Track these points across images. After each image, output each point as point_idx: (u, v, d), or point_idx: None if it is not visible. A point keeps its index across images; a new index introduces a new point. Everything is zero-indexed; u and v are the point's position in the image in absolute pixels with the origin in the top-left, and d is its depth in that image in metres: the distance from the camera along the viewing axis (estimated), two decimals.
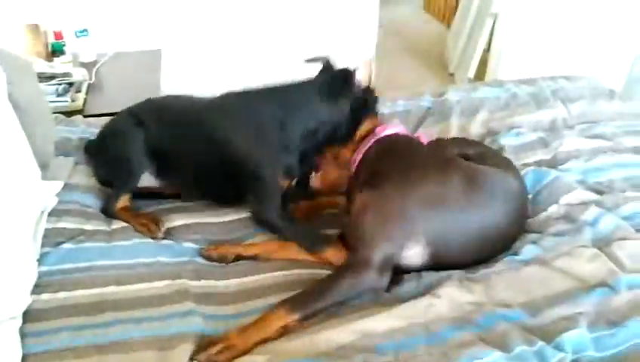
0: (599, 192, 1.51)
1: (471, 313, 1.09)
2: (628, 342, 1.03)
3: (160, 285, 1.24)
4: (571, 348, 1.00)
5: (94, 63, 2.48)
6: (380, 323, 1.08)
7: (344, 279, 1.15)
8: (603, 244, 1.27)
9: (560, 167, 1.64)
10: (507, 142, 1.78)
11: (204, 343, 1.06)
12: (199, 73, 2.85)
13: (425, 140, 1.50)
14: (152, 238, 1.41)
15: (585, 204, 1.43)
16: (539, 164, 1.69)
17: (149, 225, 1.45)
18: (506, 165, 1.45)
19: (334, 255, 1.32)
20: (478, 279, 1.19)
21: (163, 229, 1.44)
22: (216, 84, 2.80)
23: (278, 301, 1.14)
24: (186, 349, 1.05)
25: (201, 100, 1.62)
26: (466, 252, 1.27)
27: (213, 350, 1.03)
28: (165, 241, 1.42)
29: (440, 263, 1.25)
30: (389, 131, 1.46)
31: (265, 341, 1.07)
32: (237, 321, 1.15)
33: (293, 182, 1.56)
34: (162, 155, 1.55)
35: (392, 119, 1.58)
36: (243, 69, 2.92)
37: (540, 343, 1.01)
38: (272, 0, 2.92)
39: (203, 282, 1.28)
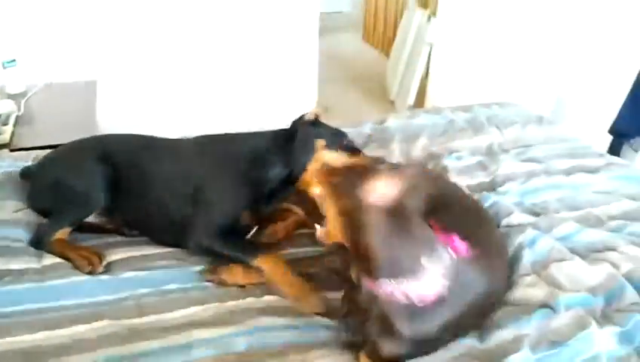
0: (535, 214, 1.57)
1: None
2: (571, 360, 1.06)
3: (100, 325, 1.17)
4: None
5: (24, 94, 2.36)
6: None
7: None
8: (540, 267, 1.31)
9: (499, 189, 1.71)
10: (450, 164, 1.84)
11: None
12: (138, 106, 2.77)
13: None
14: (90, 273, 1.33)
15: (522, 226, 1.47)
16: (480, 186, 1.76)
17: (91, 258, 1.36)
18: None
19: (264, 262, 1.32)
20: None
21: (104, 263, 1.37)
22: (157, 117, 2.76)
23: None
24: None
25: (170, 140, 1.63)
26: None
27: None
28: (103, 276, 1.34)
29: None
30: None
31: None
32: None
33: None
34: (119, 192, 1.49)
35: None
36: (185, 100, 2.87)
37: None
38: (213, 30, 2.90)
39: (145, 319, 1.21)
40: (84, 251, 1.40)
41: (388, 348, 1.06)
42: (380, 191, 1.01)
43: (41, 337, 1.13)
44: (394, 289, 1.00)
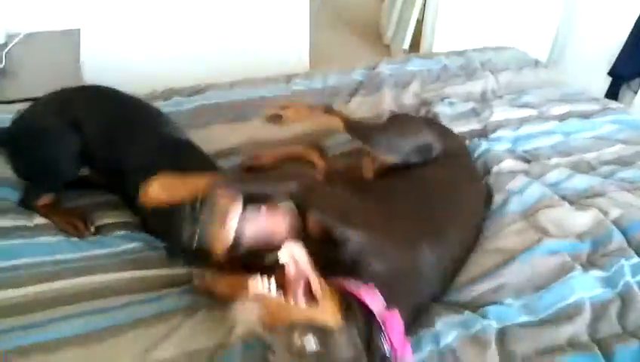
0: (527, 161, 1.56)
1: None
2: (555, 305, 1.08)
3: (96, 279, 1.17)
4: (496, 318, 1.03)
5: (4, 45, 2.28)
6: None
7: None
8: (529, 213, 1.31)
9: (491, 135, 1.69)
10: (441, 110, 1.81)
11: None
12: (124, 54, 2.69)
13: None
14: (79, 237, 1.30)
15: (513, 173, 1.46)
16: (472, 133, 1.73)
17: (77, 224, 1.32)
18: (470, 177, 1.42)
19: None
20: None
21: (92, 228, 1.33)
22: (143, 65, 2.69)
23: None
24: (118, 345, 1.00)
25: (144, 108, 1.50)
26: None
27: None
28: (90, 237, 1.32)
29: None
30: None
31: None
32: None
33: None
34: (97, 152, 1.39)
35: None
36: (173, 47, 2.78)
37: (466, 312, 1.04)
38: None
39: (140, 272, 1.21)
40: (69, 217, 1.35)
41: None
42: None
43: (33, 291, 1.13)
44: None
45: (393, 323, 0.94)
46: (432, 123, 1.65)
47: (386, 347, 0.91)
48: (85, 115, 1.40)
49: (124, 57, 2.66)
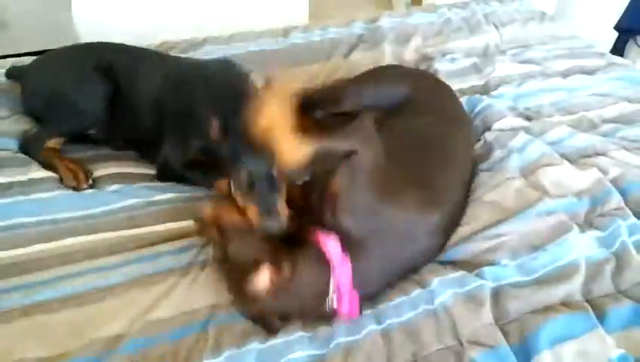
0: (528, 118, 1.54)
1: None
2: (550, 265, 1.08)
3: (93, 238, 1.18)
4: (491, 278, 1.04)
5: None
6: None
7: None
8: (528, 172, 1.30)
9: (492, 92, 1.66)
10: (442, 67, 1.77)
11: None
12: (117, 7, 2.61)
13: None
14: (74, 189, 1.31)
15: (514, 130, 1.44)
16: (472, 89, 1.71)
17: (77, 173, 1.33)
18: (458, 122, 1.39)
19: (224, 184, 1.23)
20: None
21: (89, 182, 1.33)
22: (138, 20, 2.61)
23: None
24: (117, 304, 1.02)
25: (160, 56, 1.54)
26: None
27: None
28: (88, 191, 1.32)
29: None
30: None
31: None
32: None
33: None
34: (115, 106, 1.42)
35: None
36: (168, 1, 2.70)
37: (461, 272, 1.05)
38: None
39: (137, 230, 1.21)
40: (72, 164, 1.36)
41: None
42: None
43: (32, 251, 1.14)
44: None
45: (342, 271, 0.98)
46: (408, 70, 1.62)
47: (331, 291, 0.97)
48: (114, 59, 1.45)
49: (118, 10, 2.58)
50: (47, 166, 1.36)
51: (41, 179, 1.32)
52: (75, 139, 1.45)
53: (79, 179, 1.32)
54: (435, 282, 1.03)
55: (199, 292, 1.04)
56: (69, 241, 1.16)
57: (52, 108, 1.41)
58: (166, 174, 1.37)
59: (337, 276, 0.98)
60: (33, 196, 1.27)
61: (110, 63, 1.44)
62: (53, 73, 1.45)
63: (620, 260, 1.08)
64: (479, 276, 1.04)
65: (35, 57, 1.55)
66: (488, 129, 1.48)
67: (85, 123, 1.42)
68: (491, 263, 1.07)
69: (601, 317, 0.97)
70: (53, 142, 1.39)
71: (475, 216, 1.19)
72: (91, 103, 1.39)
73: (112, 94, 1.41)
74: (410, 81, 1.48)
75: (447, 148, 1.28)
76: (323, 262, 0.99)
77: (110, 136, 1.47)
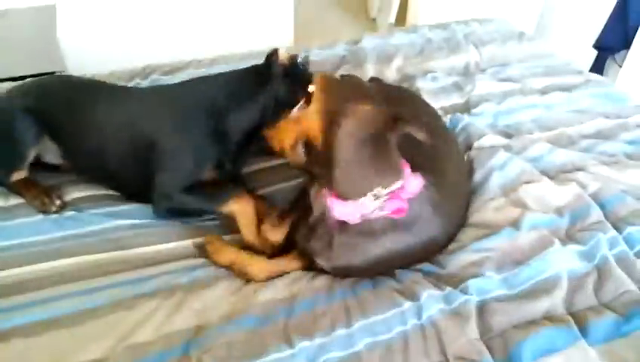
0: (508, 135, 1.56)
1: None
2: (532, 279, 1.09)
3: (70, 262, 1.17)
4: (476, 292, 1.04)
5: None
6: None
7: None
8: (510, 189, 1.31)
9: (473, 110, 1.68)
10: (424, 85, 1.80)
11: None
12: (102, 31, 2.63)
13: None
14: (43, 212, 1.31)
15: (494, 148, 1.46)
16: (454, 107, 1.73)
17: (42, 198, 1.33)
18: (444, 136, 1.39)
19: (236, 204, 1.27)
20: None
21: (57, 202, 1.33)
22: (122, 43, 2.63)
23: None
24: (100, 327, 1.01)
25: (120, 88, 1.51)
26: None
27: None
28: (70, 213, 1.32)
29: None
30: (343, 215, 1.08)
31: None
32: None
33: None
34: (65, 139, 1.41)
35: None
36: (151, 24, 2.72)
37: (447, 288, 1.05)
38: None
39: (120, 252, 1.21)
40: (35, 190, 1.35)
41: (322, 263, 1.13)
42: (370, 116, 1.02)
43: (15, 273, 1.14)
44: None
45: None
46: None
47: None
48: (49, 94, 1.44)
49: (103, 33, 2.60)
50: (18, 194, 1.37)
51: (22, 204, 1.34)
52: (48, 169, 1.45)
53: (44, 203, 1.32)
54: (424, 295, 1.03)
55: (182, 315, 1.03)
56: (48, 265, 1.16)
57: None
58: (166, 206, 1.31)
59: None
60: (16, 221, 1.28)
61: (43, 100, 1.42)
62: None
63: (602, 273, 1.09)
64: (464, 291, 1.04)
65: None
66: (469, 148, 1.50)
67: (19, 160, 1.38)
68: (476, 276, 1.07)
69: (583, 329, 0.98)
70: (17, 175, 1.38)
71: (460, 237, 1.20)
72: (17, 141, 1.38)
73: (43, 130, 1.39)
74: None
75: (445, 152, 1.31)
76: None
77: (78, 171, 1.45)
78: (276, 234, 1.24)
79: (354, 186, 1.02)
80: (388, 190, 1.01)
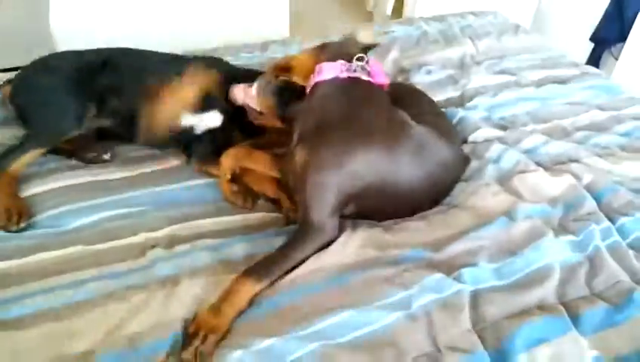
0: (503, 128, 1.56)
1: (375, 257, 1.11)
2: (525, 269, 1.08)
3: (64, 253, 1.16)
4: (470, 280, 1.04)
5: None
6: None
7: (304, 244, 1.13)
8: (505, 179, 1.32)
9: (468, 104, 1.68)
10: (419, 79, 1.80)
11: (182, 339, 0.98)
12: (96, 20, 2.61)
13: (382, 78, 1.30)
14: (2, 228, 1.23)
15: (489, 141, 1.47)
16: (449, 101, 1.73)
17: (11, 213, 1.25)
18: (449, 133, 1.40)
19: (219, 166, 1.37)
20: (388, 227, 1.21)
21: (22, 225, 1.24)
22: (116, 33, 2.61)
23: (240, 273, 1.07)
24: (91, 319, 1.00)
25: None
26: (391, 211, 1.26)
27: (197, 342, 0.95)
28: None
29: (364, 215, 1.24)
30: (328, 74, 1.24)
31: (240, 313, 1.03)
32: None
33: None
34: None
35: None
36: (145, 14, 2.70)
37: (440, 275, 1.04)
38: None
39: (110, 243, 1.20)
40: (10, 201, 1.28)
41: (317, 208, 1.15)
42: None
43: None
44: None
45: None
46: None
47: None
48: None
49: (96, 22, 2.57)
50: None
51: None
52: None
53: (10, 220, 1.24)
54: (415, 285, 1.02)
55: (174, 305, 1.03)
56: (39, 257, 1.15)
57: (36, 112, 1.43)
58: None
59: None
60: None
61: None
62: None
63: (594, 263, 1.10)
64: (457, 279, 1.04)
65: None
66: (464, 142, 1.50)
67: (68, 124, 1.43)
68: (470, 265, 1.07)
69: (575, 319, 0.98)
70: (26, 158, 1.36)
71: (454, 222, 1.20)
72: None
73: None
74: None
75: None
76: None
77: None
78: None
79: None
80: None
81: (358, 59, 1.25)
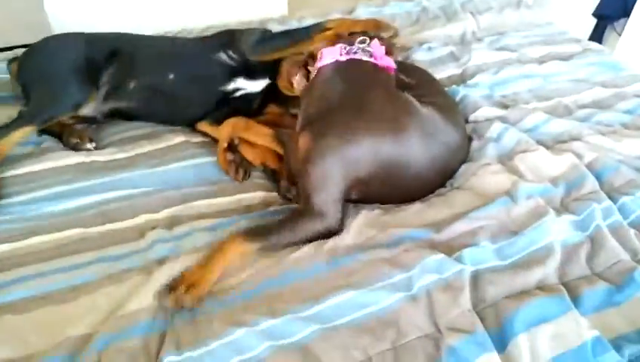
0: (505, 106, 1.54)
1: (375, 238, 1.11)
2: (526, 249, 1.08)
3: (62, 236, 1.16)
4: (470, 261, 1.04)
5: None
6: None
7: (303, 225, 1.12)
8: (506, 159, 1.31)
9: (469, 81, 1.66)
10: (419, 57, 1.78)
11: (166, 288, 1.01)
12: (91, 1, 2.56)
13: (387, 60, 1.29)
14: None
15: (490, 120, 1.45)
16: (450, 79, 1.71)
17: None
18: (453, 114, 1.37)
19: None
20: (388, 208, 1.20)
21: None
22: (112, 12, 2.56)
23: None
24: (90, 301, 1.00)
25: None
26: (397, 195, 1.24)
27: (180, 290, 0.98)
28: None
29: (369, 200, 1.24)
30: (327, 60, 1.25)
31: (224, 269, 1.04)
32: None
33: None
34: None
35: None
36: None
37: (441, 255, 1.04)
38: None
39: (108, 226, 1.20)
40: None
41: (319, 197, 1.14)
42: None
43: None
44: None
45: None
46: None
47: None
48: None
49: (91, 3, 2.53)
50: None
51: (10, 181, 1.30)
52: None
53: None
54: (416, 266, 1.01)
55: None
56: (36, 240, 1.15)
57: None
58: None
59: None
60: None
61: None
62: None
63: (595, 243, 1.09)
64: (458, 260, 1.03)
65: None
66: (466, 121, 1.48)
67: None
68: (471, 246, 1.06)
69: (575, 299, 0.98)
70: (17, 134, 1.36)
71: (454, 203, 1.19)
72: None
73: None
74: None
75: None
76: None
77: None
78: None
79: None
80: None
81: (361, 42, 1.23)
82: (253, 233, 1.10)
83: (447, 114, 1.29)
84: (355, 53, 1.23)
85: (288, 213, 1.16)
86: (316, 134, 1.17)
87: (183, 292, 0.98)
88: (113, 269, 1.07)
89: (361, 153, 1.15)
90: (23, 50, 1.57)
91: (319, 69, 1.26)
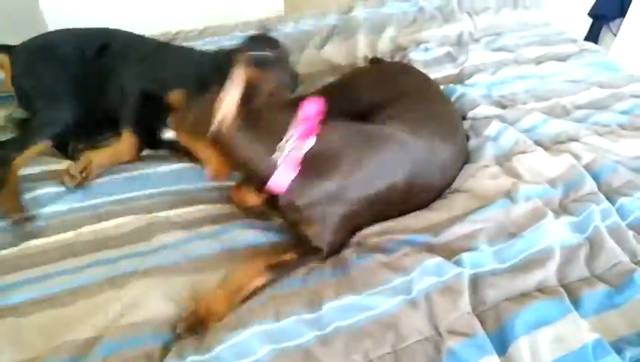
0: (502, 106, 1.55)
1: (374, 242, 1.11)
2: (525, 251, 1.08)
3: (66, 237, 1.16)
4: (469, 264, 1.04)
5: None
6: None
7: (310, 261, 1.12)
8: (503, 159, 1.31)
9: (466, 81, 1.67)
10: (417, 57, 1.78)
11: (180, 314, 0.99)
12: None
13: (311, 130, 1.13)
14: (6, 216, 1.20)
15: (488, 119, 1.45)
16: (447, 79, 1.71)
17: (9, 210, 1.21)
18: (448, 130, 1.32)
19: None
20: None
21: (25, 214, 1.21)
22: (108, 12, 2.54)
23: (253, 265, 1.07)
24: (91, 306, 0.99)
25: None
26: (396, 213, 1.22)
27: (194, 319, 0.97)
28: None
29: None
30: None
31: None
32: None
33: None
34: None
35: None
36: None
37: (440, 258, 1.03)
38: None
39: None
40: (9, 200, 1.23)
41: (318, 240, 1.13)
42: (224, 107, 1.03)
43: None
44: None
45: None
46: None
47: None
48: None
49: (88, 2, 2.51)
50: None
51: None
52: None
53: (16, 210, 1.21)
54: (415, 269, 1.01)
55: (176, 291, 1.03)
56: (38, 242, 1.14)
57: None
58: None
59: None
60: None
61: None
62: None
63: (594, 245, 1.09)
64: (458, 263, 1.03)
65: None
66: (463, 118, 1.49)
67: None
68: (470, 249, 1.06)
69: (575, 301, 0.98)
70: (30, 152, 1.31)
71: (453, 205, 1.19)
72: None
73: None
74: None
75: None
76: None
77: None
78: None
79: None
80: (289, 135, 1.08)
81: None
82: (273, 270, 1.07)
83: (440, 129, 1.27)
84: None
85: (301, 255, 1.12)
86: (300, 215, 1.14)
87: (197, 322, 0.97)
88: (115, 272, 1.07)
89: (356, 210, 1.14)
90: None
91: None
